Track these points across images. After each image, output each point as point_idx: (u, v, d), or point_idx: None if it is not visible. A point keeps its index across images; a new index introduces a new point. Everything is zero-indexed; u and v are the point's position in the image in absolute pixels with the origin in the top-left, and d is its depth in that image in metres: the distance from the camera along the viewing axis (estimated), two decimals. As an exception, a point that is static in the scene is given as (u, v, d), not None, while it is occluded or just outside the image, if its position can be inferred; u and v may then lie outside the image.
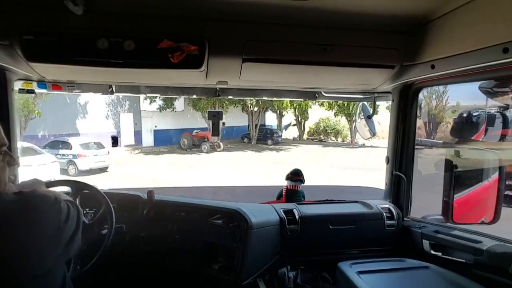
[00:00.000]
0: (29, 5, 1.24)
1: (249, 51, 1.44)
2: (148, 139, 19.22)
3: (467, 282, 1.37)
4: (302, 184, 3.34)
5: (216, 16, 1.34)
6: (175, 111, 19.06)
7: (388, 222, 1.90)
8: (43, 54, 1.27)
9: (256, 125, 20.40)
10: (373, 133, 2.09)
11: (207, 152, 17.56)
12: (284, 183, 3.38)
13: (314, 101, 16.01)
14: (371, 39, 1.48)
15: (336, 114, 21.25)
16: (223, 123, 1.86)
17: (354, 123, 22.21)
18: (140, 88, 1.96)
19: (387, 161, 2.02)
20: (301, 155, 17.58)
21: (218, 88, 1.93)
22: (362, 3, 1.23)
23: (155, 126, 19.20)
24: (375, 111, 2.13)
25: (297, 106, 20.48)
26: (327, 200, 2.13)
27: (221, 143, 18.32)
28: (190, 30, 1.36)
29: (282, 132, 22.88)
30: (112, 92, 1.91)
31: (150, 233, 1.77)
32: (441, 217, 1.73)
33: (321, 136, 23.93)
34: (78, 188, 1.58)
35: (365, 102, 2.14)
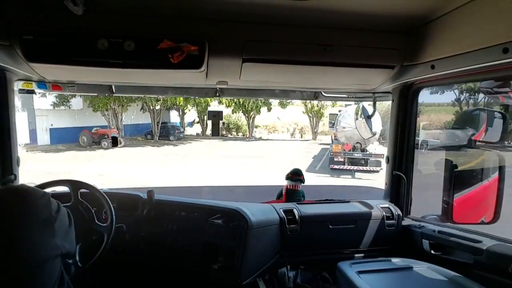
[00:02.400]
0: (29, 5, 1.24)
1: (249, 51, 1.44)
2: (44, 138, 19.13)
3: (467, 281, 1.37)
4: (302, 184, 3.34)
5: (216, 16, 1.34)
6: (72, 109, 19.25)
7: (388, 221, 1.90)
8: (43, 54, 1.27)
9: (158, 123, 21.64)
10: (373, 133, 2.10)
11: (107, 148, 18.07)
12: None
13: (214, 98, 17.63)
14: (371, 39, 1.48)
15: (233, 111, 22.82)
16: (224, 123, 1.87)
17: (251, 120, 23.77)
18: (140, 88, 1.96)
19: (387, 161, 2.02)
20: (197, 148, 19.70)
21: (218, 88, 1.93)
22: (362, 3, 1.23)
23: (51, 125, 19.16)
24: (375, 111, 2.13)
25: (197, 104, 22.02)
26: (327, 199, 2.13)
27: (121, 139, 18.89)
28: (190, 30, 1.36)
29: (185, 128, 24.67)
30: (112, 93, 1.91)
31: (150, 233, 1.77)
32: (441, 216, 1.73)
33: (224, 131, 25.58)
34: (75, 187, 1.58)
35: (365, 103, 2.15)
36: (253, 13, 1.30)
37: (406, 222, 1.94)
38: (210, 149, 19.09)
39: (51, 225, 0.88)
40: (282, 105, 22.13)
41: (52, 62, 1.29)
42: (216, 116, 1.86)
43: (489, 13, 1.11)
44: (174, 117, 25.56)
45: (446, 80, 1.59)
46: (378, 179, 11.59)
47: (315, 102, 21.74)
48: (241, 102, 20.91)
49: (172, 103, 20.62)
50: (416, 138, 1.98)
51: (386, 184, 2.07)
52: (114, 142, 2.16)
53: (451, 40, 1.30)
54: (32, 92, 1.79)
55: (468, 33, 1.21)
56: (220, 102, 19.97)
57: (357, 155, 12.70)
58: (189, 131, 25.69)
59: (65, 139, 18.83)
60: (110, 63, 1.30)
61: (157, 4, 1.26)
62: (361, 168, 12.63)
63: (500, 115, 1.96)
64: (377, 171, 12.43)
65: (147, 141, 21.53)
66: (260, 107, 22.29)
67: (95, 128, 19.07)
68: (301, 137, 26.00)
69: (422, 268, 1.53)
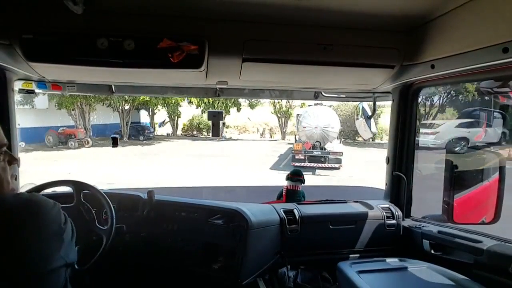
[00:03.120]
0: (29, 5, 1.24)
1: (249, 51, 1.44)
2: (9, 138, 18.85)
3: (467, 281, 1.37)
4: (302, 184, 3.35)
5: (216, 16, 1.34)
6: (38, 109, 18.67)
7: (388, 222, 1.90)
8: (43, 53, 1.27)
9: (127, 123, 21.35)
10: (373, 133, 2.11)
11: (74, 148, 17.85)
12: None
13: (183, 98, 18.32)
14: (371, 39, 1.48)
15: (203, 111, 22.50)
16: (223, 124, 1.86)
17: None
18: (140, 88, 1.96)
19: (387, 161, 2.02)
20: (167, 148, 19.73)
21: (218, 88, 1.93)
22: (362, 3, 1.23)
23: (19, 124, 18.61)
24: (375, 112, 2.13)
25: (167, 104, 21.73)
26: (327, 200, 2.13)
27: (89, 140, 18.73)
28: (190, 29, 1.36)
29: (155, 128, 24.67)
30: (112, 92, 1.91)
31: (150, 233, 1.77)
32: (442, 217, 1.73)
33: (194, 131, 25.75)
34: (79, 188, 1.58)
35: (364, 103, 2.15)
36: (253, 12, 1.30)
37: (406, 222, 1.93)
38: (180, 148, 19.37)
39: (60, 237, 0.88)
40: (251, 105, 22.12)
41: (52, 61, 1.29)
42: (216, 117, 1.85)
43: (489, 13, 1.11)
44: (144, 117, 25.36)
45: (446, 80, 1.59)
46: (337, 176, 12.21)
47: (283, 102, 21.98)
48: (211, 102, 20.42)
49: (140, 102, 20.23)
50: (418, 138, 1.98)
51: (386, 184, 2.07)
52: (114, 143, 2.11)
53: (451, 39, 1.30)
54: (32, 92, 1.80)
55: (468, 33, 1.21)
56: (190, 102, 19.91)
57: (316, 153, 13.37)
58: (160, 131, 25.62)
59: (32, 139, 18.34)
60: (110, 63, 1.30)
61: (157, 3, 1.26)
62: (320, 165, 13.29)
63: (500, 115, 1.96)
64: (337, 168, 13.11)
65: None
66: (229, 108, 22.09)
67: (61, 128, 18.67)
68: (271, 137, 26.21)
69: (422, 268, 1.53)
